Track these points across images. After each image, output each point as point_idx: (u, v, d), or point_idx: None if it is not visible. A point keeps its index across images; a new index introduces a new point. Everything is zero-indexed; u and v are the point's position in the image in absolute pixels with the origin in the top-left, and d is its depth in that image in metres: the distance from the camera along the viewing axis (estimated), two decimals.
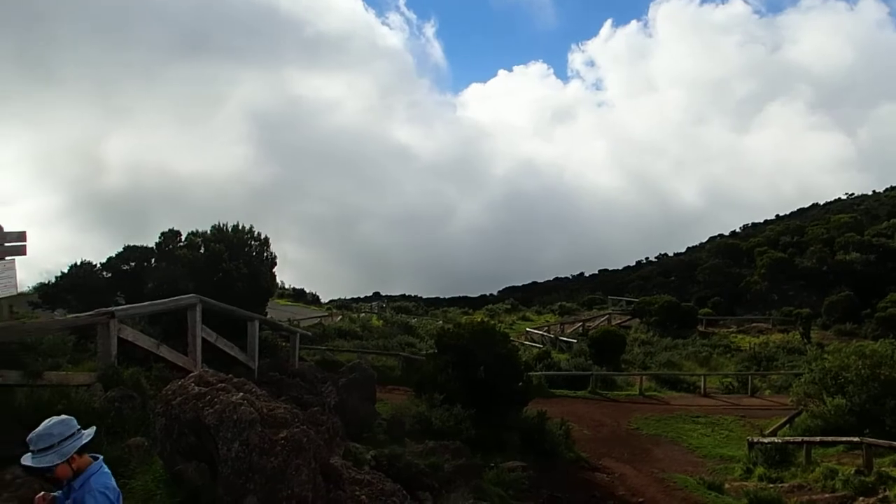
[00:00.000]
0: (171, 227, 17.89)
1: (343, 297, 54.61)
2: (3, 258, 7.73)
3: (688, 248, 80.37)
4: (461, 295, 74.88)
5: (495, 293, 76.57)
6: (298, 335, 16.22)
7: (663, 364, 30.41)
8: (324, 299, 48.72)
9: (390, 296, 65.71)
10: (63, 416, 3.69)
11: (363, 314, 39.29)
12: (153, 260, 19.78)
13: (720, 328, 39.50)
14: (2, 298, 7.83)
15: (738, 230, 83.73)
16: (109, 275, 20.23)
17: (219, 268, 15.51)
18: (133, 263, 20.19)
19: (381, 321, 34.56)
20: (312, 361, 19.46)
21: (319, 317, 34.49)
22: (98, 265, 20.55)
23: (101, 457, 3.82)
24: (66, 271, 20.31)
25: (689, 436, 19.53)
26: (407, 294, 70.14)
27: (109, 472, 3.80)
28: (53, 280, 20.24)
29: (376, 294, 68.42)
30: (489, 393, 14.66)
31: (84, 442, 3.62)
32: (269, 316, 17.55)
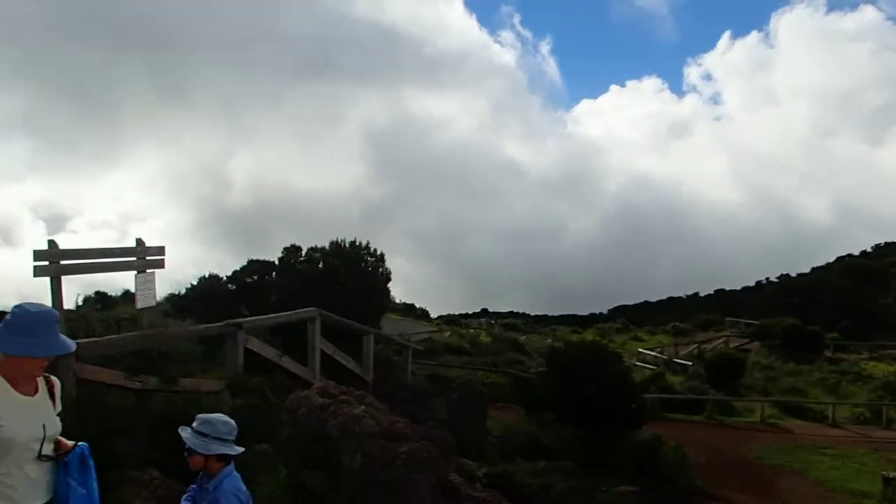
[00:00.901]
0: (292, 243, 18.64)
1: (452, 313, 55.10)
2: (144, 271, 8.30)
3: (813, 268, 75.94)
4: (570, 313, 73.84)
5: (605, 312, 75.04)
6: (411, 350, 16.51)
7: (787, 391, 28.81)
8: (433, 314, 49.36)
9: (498, 312, 65.70)
10: (231, 421, 3.94)
11: (471, 330, 39.50)
12: (274, 273, 20.70)
13: (850, 354, 37.06)
14: (143, 309, 8.40)
15: (869, 249, 78.58)
16: (234, 287, 21.30)
17: (336, 282, 16.03)
18: (256, 277, 21.18)
19: (490, 338, 34.62)
20: (423, 376, 19.74)
21: (429, 332, 34.94)
22: (224, 278, 21.71)
23: (233, 463, 4.05)
24: (194, 283, 21.59)
25: (815, 468, 18.38)
26: (515, 311, 69.92)
27: (239, 476, 4.02)
28: (183, 291, 21.54)
29: (484, 310, 68.57)
30: (601, 414, 14.40)
31: (229, 453, 3.84)
32: (382, 330, 17.95)
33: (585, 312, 74.66)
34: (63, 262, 7.45)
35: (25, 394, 3.24)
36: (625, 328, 49.19)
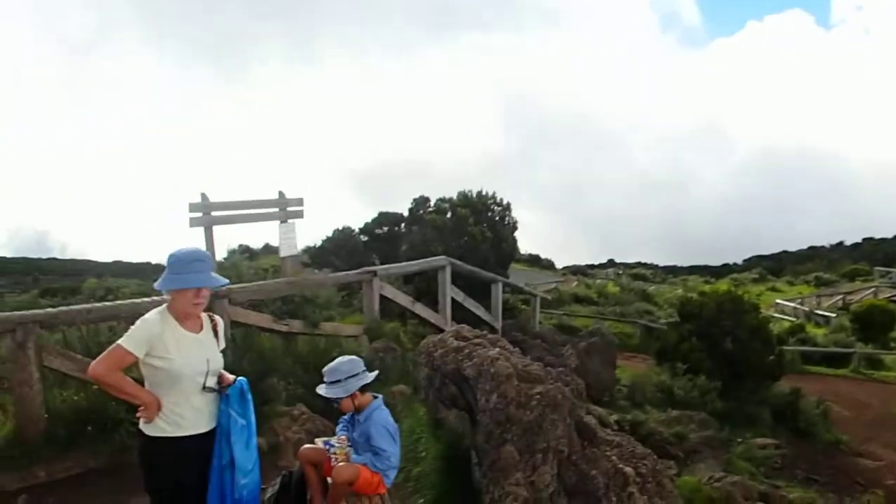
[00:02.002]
0: (421, 194, 19.00)
1: (577, 264, 54.43)
2: (286, 221, 8.75)
3: None
4: (702, 263, 71.11)
5: (740, 262, 71.73)
6: (538, 298, 16.56)
7: None
8: (558, 265, 48.96)
9: (626, 263, 64.26)
10: (352, 357, 4.19)
11: (599, 280, 38.94)
12: (403, 225, 21.25)
13: None
14: (286, 257, 8.88)
15: None
16: (366, 238, 22.12)
17: (464, 231, 16.26)
18: (386, 228, 21.86)
19: (618, 288, 34.02)
20: (550, 325, 19.77)
21: (555, 282, 34.77)
22: (356, 230, 22.58)
23: (381, 396, 4.28)
24: (329, 235, 22.57)
25: None
26: (643, 262, 68.11)
27: (388, 410, 4.25)
28: (320, 243, 22.58)
29: (611, 261, 67.23)
30: (737, 365, 13.94)
31: (366, 382, 4.08)
32: (509, 279, 18.08)
33: (718, 263, 71.72)
34: (214, 214, 7.98)
35: (191, 331, 3.54)
36: (761, 279, 46.90)
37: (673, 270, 61.06)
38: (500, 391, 4.97)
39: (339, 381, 4.01)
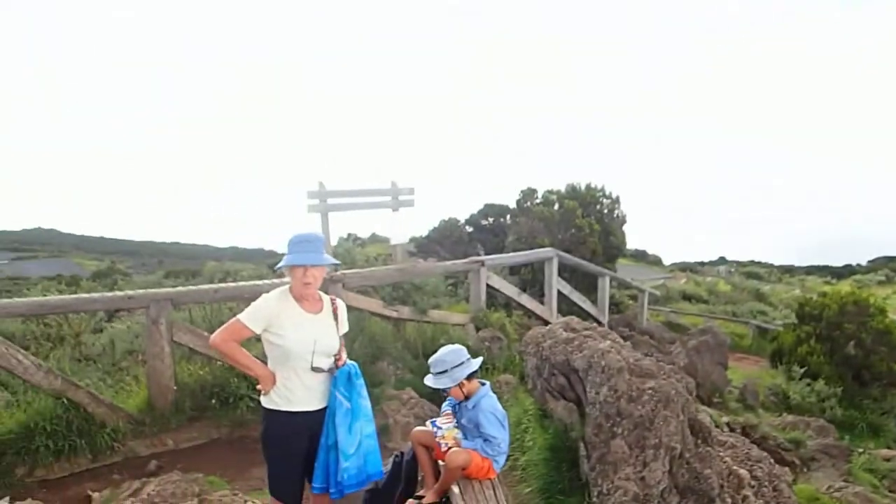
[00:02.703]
0: (528, 186, 18.93)
1: (686, 261, 52.75)
2: (397, 210, 8.94)
3: None
4: (821, 263, 67.31)
5: (864, 263, 67.49)
6: (647, 294, 16.19)
7: None
8: (666, 262, 47.61)
9: (738, 261, 61.72)
10: (455, 346, 4.25)
11: (709, 278, 37.60)
12: (508, 216, 21.24)
13: None
14: (397, 245, 9.08)
15: None
16: (471, 229, 22.28)
17: (572, 224, 16.09)
18: (491, 219, 21.94)
19: (729, 286, 32.74)
20: (657, 322, 19.28)
21: (663, 278, 33.85)
22: (462, 221, 22.78)
23: (488, 383, 4.32)
24: (435, 225, 22.86)
25: None
26: (757, 260, 65.17)
27: (495, 396, 4.29)
28: (426, 233, 22.90)
29: (721, 258, 64.76)
30: (859, 371, 13.16)
31: (472, 370, 4.12)
32: (616, 273, 17.77)
33: (839, 263, 67.72)
34: (330, 201, 8.24)
35: (309, 311, 3.68)
36: (888, 281, 43.97)
37: (789, 270, 58.13)
38: (610, 384, 4.90)
39: (445, 371, 4.07)
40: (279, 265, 3.61)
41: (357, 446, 3.63)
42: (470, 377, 4.16)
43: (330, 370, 3.68)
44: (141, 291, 6.60)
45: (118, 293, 6.75)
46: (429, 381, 4.19)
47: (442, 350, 4.25)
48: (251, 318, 3.57)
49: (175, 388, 6.38)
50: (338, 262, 3.84)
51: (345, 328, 3.84)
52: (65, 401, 5.81)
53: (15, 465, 5.57)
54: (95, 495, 5.20)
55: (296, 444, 3.71)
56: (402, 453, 4.48)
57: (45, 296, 7.63)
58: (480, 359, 4.36)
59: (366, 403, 3.73)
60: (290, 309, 3.62)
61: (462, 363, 4.13)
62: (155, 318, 6.27)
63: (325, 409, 3.70)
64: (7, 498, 5.19)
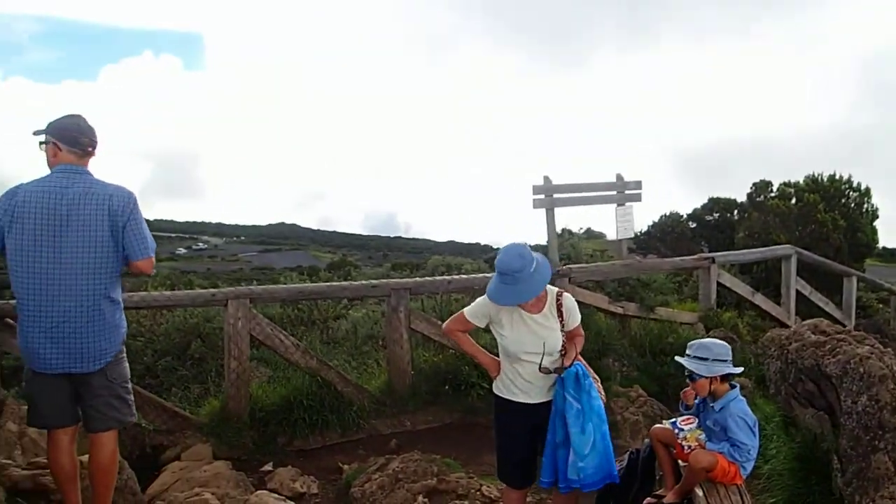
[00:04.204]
0: (761, 178, 17.73)
1: None
2: (623, 204, 8.78)
3: None
4: None
5: None
6: None
7: None
8: None
9: None
10: (724, 342, 4.08)
11: None
12: (736, 211, 20.04)
13: None
14: (622, 240, 8.92)
15: None
16: (694, 225, 21.33)
17: (812, 219, 14.81)
18: (717, 214, 20.83)
19: None
20: None
21: None
22: (684, 216, 21.87)
23: (738, 385, 4.12)
24: (656, 220, 22.15)
25: None
26: None
27: (745, 400, 4.08)
28: (645, 228, 22.29)
29: None
30: None
31: (731, 372, 3.94)
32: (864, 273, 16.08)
33: None
34: (556, 196, 8.29)
35: (530, 311, 3.73)
36: None
37: None
38: (870, 393, 4.47)
39: (705, 359, 3.92)
40: (487, 293, 3.73)
41: (592, 446, 3.63)
42: (724, 379, 3.99)
43: (556, 370, 3.70)
44: (383, 281, 7.11)
45: (364, 282, 7.34)
46: (683, 360, 4.04)
47: (709, 339, 4.15)
48: (473, 313, 3.83)
49: (412, 372, 6.78)
50: (530, 296, 3.67)
51: (574, 321, 3.83)
52: (318, 379, 6.41)
53: (276, 434, 6.23)
54: (346, 468, 5.70)
55: (519, 432, 3.86)
56: (637, 450, 4.42)
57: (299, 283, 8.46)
58: (741, 369, 4.17)
59: (598, 403, 3.72)
60: (510, 309, 3.72)
61: (726, 360, 3.97)
62: (395, 306, 6.71)
63: (547, 403, 3.76)
64: (270, 463, 5.86)
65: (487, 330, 3.96)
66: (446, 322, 4.04)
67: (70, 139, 3.67)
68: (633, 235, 9.21)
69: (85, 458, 4.01)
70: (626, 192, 8.82)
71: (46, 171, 3.71)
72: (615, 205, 8.77)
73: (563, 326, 3.76)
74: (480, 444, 6.15)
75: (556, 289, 3.86)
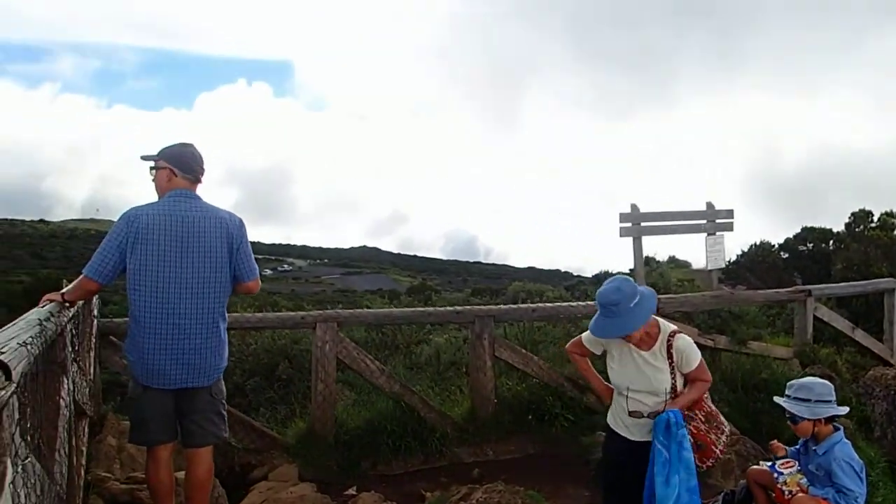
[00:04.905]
0: (861, 208, 16.92)
1: None
2: (713, 233, 8.54)
3: None
4: None
5: None
6: None
7: None
8: None
9: None
10: (826, 381, 3.90)
11: None
12: (832, 241, 19.17)
13: None
14: (713, 270, 8.66)
15: None
16: (786, 255, 20.49)
17: None
18: (811, 245, 19.96)
19: None
20: None
21: None
22: (775, 245, 21.03)
23: (843, 428, 3.90)
24: (745, 250, 21.39)
25: None
26: None
27: (850, 443, 3.86)
28: (733, 258, 21.53)
29: None
30: None
31: (837, 414, 3.75)
32: None
33: None
34: (643, 224, 8.14)
35: (639, 347, 3.65)
36: None
37: None
38: None
39: (808, 400, 3.74)
40: (589, 326, 3.73)
41: (676, 499, 3.47)
42: (827, 420, 3.79)
43: (650, 414, 3.61)
44: (468, 308, 7.12)
45: (448, 308, 7.36)
46: (782, 401, 3.87)
47: (810, 378, 3.98)
48: (588, 339, 3.85)
49: (495, 401, 6.73)
50: (633, 327, 3.58)
51: (688, 364, 3.66)
52: (402, 404, 6.44)
53: (360, 458, 6.26)
54: (428, 495, 5.67)
55: (616, 465, 3.84)
56: (732, 492, 4.26)
57: (386, 307, 8.56)
58: (847, 409, 3.96)
59: (687, 455, 3.53)
60: (620, 342, 3.67)
61: (829, 401, 3.78)
62: (479, 332, 6.69)
63: (646, 442, 3.64)
64: (354, 487, 5.90)
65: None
66: (568, 343, 4.08)
67: (186, 166, 3.89)
68: (723, 266, 8.93)
69: (180, 474, 4.14)
70: (717, 220, 8.58)
71: (152, 192, 3.93)
72: (705, 234, 8.55)
73: (672, 368, 3.63)
74: (564, 476, 6.04)
75: (672, 328, 3.75)
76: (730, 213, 8.60)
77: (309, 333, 6.47)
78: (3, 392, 1.75)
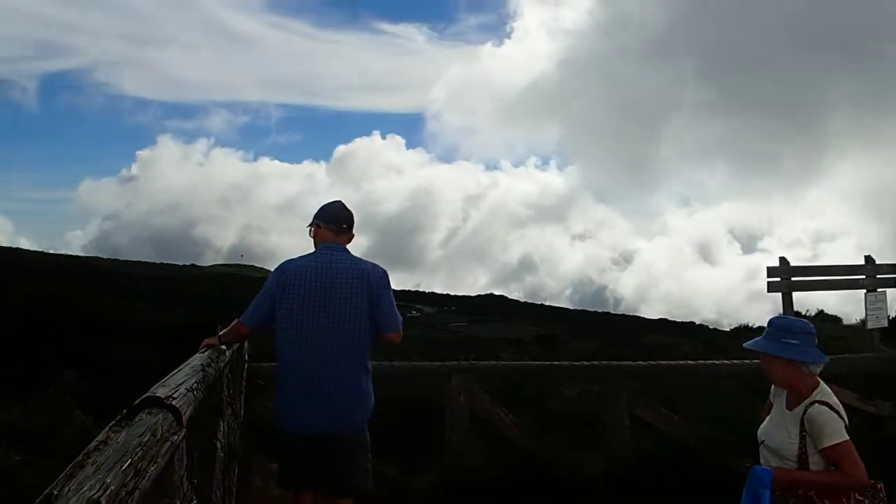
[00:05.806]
0: None
1: None
2: (874, 289, 7.93)
3: None
4: None
5: None
6: None
7: None
8: None
9: None
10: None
11: None
12: None
13: None
14: (873, 329, 8.01)
15: None
16: None
17: None
18: None
19: None
20: None
21: None
22: None
23: None
24: None
25: None
26: None
27: None
28: (892, 315, 19.87)
29: None
30: None
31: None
32: None
33: None
34: (793, 279, 7.69)
35: (788, 403, 3.40)
36: None
37: None
38: None
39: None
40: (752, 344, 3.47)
41: None
42: None
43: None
44: (604, 363, 6.94)
45: (585, 363, 7.24)
46: None
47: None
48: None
49: (633, 461, 6.47)
50: (764, 348, 3.33)
51: (821, 440, 3.15)
52: (536, 457, 6.33)
53: None
54: None
55: None
56: None
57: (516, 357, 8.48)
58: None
59: None
60: (780, 394, 3.46)
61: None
62: (616, 389, 6.49)
63: None
64: None
65: None
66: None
67: (329, 219, 4.15)
68: (885, 325, 8.27)
69: None
70: (878, 276, 7.98)
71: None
72: (864, 290, 7.96)
73: (804, 437, 3.20)
74: None
75: (822, 396, 3.27)
76: (892, 269, 8.00)
77: (444, 382, 6.49)
78: (176, 437, 1.84)
